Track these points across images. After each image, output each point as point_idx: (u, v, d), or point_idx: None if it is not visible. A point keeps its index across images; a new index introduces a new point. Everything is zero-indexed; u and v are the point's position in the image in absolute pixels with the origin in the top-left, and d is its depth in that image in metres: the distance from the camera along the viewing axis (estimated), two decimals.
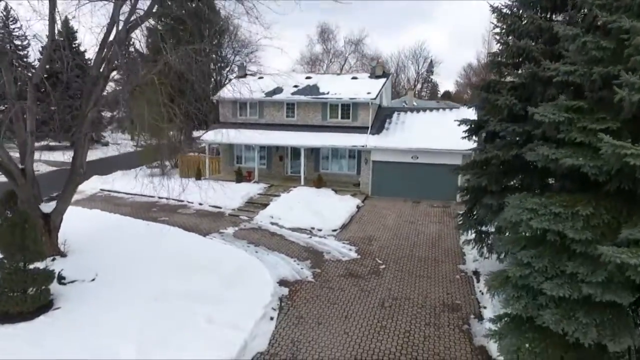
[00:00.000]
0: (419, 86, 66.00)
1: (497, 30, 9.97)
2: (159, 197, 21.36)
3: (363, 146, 21.61)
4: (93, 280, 10.94)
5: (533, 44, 8.81)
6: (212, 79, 37.54)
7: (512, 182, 9.71)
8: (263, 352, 8.39)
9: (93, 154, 41.97)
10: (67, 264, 11.52)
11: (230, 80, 33.67)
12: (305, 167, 23.23)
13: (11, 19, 38.82)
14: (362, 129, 22.94)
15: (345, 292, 10.93)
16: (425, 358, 8.19)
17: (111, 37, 10.82)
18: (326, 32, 45.13)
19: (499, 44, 9.88)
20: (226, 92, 26.17)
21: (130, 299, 9.93)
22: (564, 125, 5.93)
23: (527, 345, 5.68)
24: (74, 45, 39.31)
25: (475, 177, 10.07)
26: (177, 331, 8.71)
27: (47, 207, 11.98)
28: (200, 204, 19.74)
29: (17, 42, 40.19)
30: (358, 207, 19.38)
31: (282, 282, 11.42)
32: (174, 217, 18.07)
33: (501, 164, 9.48)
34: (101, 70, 10.66)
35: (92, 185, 25.27)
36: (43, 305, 9.48)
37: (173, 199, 20.80)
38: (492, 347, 8.48)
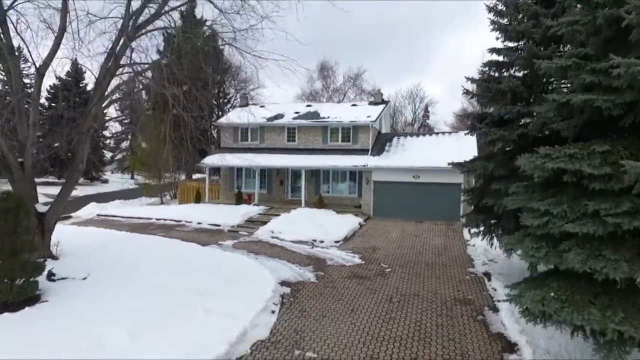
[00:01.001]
0: (416, 126, 67.28)
1: (496, 22, 10.22)
2: (157, 219, 21.10)
3: (364, 166, 21.56)
4: (85, 278, 10.37)
5: (532, 25, 9.00)
6: (214, 114, 38.27)
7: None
8: (264, 339, 7.76)
9: (92, 189, 41.99)
10: (59, 265, 10.99)
11: (233, 107, 34.32)
12: (306, 190, 23.04)
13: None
14: (362, 152, 23.02)
15: (350, 290, 10.36)
16: (440, 343, 7.57)
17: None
18: (326, 68, 46.68)
19: (497, 31, 10.04)
20: (227, 119, 26.60)
21: (125, 294, 9.35)
22: (571, 70, 5.88)
23: (552, 294, 5.23)
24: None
25: (481, 164, 9.89)
26: (173, 320, 8.10)
27: (42, 208, 11.67)
28: (199, 223, 19.32)
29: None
30: (360, 224, 18.97)
31: (284, 283, 10.84)
32: (171, 234, 17.56)
33: (507, 146, 9.34)
34: (109, 65, 10.78)
35: (88, 211, 24.89)
36: (30, 298, 8.90)
37: (170, 219, 20.56)
38: (511, 331, 7.91)
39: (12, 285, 8.63)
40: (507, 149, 9.47)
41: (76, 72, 44.13)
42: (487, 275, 11.53)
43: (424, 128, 75.60)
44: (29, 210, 9.24)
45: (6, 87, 11.09)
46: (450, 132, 26.67)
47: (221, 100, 38.97)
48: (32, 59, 10.23)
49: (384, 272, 11.97)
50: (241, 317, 8.33)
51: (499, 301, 9.53)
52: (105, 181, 51.50)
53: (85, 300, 9.03)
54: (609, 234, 5.00)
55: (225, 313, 8.50)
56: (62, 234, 12.98)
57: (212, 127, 35.26)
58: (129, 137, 56.95)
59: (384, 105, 26.28)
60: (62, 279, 10.18)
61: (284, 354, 7.15)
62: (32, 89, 10.66)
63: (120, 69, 11.27)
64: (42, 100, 45.50)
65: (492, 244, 11.16)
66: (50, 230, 11.56)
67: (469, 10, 70.15)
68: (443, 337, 7.81)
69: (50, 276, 10.11)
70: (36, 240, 10.62)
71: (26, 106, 11.84)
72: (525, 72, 10.22)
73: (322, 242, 15.45)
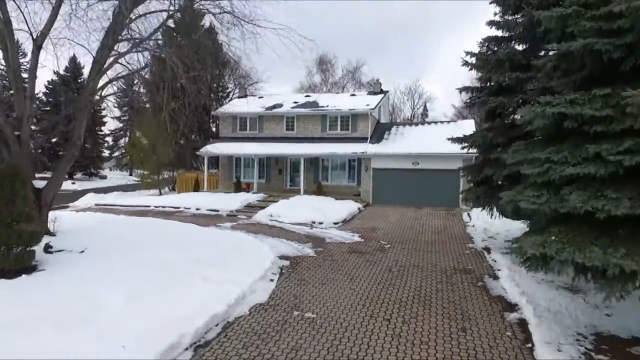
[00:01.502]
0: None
1: None
2: (155, 206, 21.02)
3: (363, 153, 21.52)
4: (82, 252, 10.30)
5: None
6: (213, 107, 38.15)
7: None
8: (263, 303, 7.70)
9: (90, 184, 41.90)
10: (56, 240, 10.90)
11: (231, 99, 34.27)
12: (305, 179, 22.98)
13: None
14: (361, 140, 22.98)
15: (350, 263, 10.31)
16: (440, 305, 7.52)
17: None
18: (324, 62, 46.52)
19: (496, 5, 10.02)
20: (226, 108, 26.55)
21: (123, 265, 9.27)
22: (572, 19, 5.84)
23: (552, 237, 5.19)
24: None
25: (481, 134, 9.85)
26: (171, 287, 8.04)
27: (39, 184, 11.61)
28: (197, 209, 19.25)
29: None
30: (359, 209, 18.93)
31: (283, 257, 10.77)
32: (170, 219, 17.45)
33: (506, 114, 9.31)
34: (108, 40, 10.71)
35: (86, 200, 24.79)
36: (27, 267, 8.83)
37: (169, 206, 20.48)
38: (511, 294, 7.88)
39: (8, 253, 8.55)
40: (507, 117, 9.43)
41: (75, 67, 44.04)
42: (487, 249, 11.50)
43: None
44: (26, 180, 9.15)
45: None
46: (449, 121, 26.64)
47: (220, 95, 38.88)
48: (29, 30, 10.17)
49: (383, 247, 11.93)
50: (240, 283, 8.27)
51: (499, 270, 9.50)
52: (104, 177, 51.45)
53: (83, 269, 8.96)
54: (610, 175, 4.96)
55: (223, 280, 8.44)
56: (60, 216, 12.95)
57: (210, 119, 35.20)
58: (127, 133, 57.02)
59: (382, 94, 26.26)
60: (59, 251, 10.11)
61: (282, 315, 7.09)
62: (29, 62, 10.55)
63: (118, 44, 11.21)
64: (40, 96, 45.61)
65: (492, 214, 11.07)
66: (47, 206, 11.49)
67: (469, 10, 69.99)
68: (443, 299, 7.76)
69: (48, 248, 10.04)
70: (33, 215, 10.57)
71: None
72: (525, 46, 10.23)
73: (321, 223, 15.40)
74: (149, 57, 12.48)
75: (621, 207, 4.64)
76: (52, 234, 11.53)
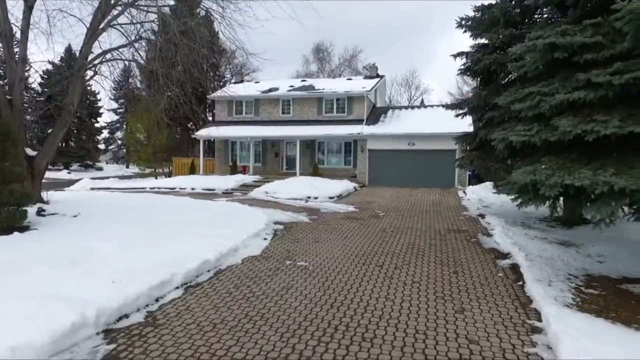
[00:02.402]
0: None
1: None
2: (150, 188, 20.96)
3: (359, 134, 21.50)
4: (76, 216, 10.26)
5: None
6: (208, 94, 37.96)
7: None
8: (255, 255, 7.69)
9: (87, 174, 41.69)
10: (49, 208, 10.85)
11: (226, 83, 34.15)
12: (301, 162, 22.96)
13: None
14: (357, 122, 22.96)
15: (344, 227, 10.30)
16: (434, 255, 7.53)
17: None
18: (321, 50, 46.28)
19: None
20: (222, 92, 26.47)
21: (116, 225, 9.24)
22: None
23: (543, 166, 5.18)
24: None
25: (476, 94, 9.84)
26: (163, 238, 8.02)
27: (32, 152, 11.52)
28: (193, 189, 19.21)
29: None
30: (355, 188, 18.93)
31: (278, 223, 10.73)
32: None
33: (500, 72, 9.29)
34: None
35: (82, 184, 24.66)
36: (19, 226, 8.78)
37: (164, 187, 20.43)
38: (504, 245, 7.88)
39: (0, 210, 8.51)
40: (501, 76, 9.41)
41: (70, 56, 43.77)
42: (481, 215, 11.52)
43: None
44: (17, 141, 9.08)
45: None
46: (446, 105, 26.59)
47: (216, 83, 38.74)
48: None
49: (378, 215, 11.93)
50: (233, 239, 8.24)
51: (492, 229, 9.51)
52: (100, 168, 51.20)
53: (77, 228, 8.93)
54: (600, 99, 4.96)
55: (217, 235, 8.42)
56: (53, 194, 12.84)
57: (207, 107, 35.08)
58: (124, 126, 56.77)
59: (378, 78, 26.22)
60: (53, 214, 10.07)
61: (275, 264, 7.08)
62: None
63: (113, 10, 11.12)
64: (35, 86, 45.34)
65: (487, 170, 10.91)
66: (40, 174, 11.42)
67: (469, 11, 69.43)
68: (436, 251, 7.77)
69: (40, 212, 10.00)
70: (26, 176, 10.49)
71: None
72: (517, 9, 10.20)
73: (316, 198, 15.40)
74: (144, 27, 12.36)
75: (610, 127, 4.63)
76: (46, 202, 11.47)
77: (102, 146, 58.79)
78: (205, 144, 33.18)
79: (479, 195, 14.90)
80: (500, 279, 6.16)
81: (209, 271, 6.64)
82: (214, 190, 18.57)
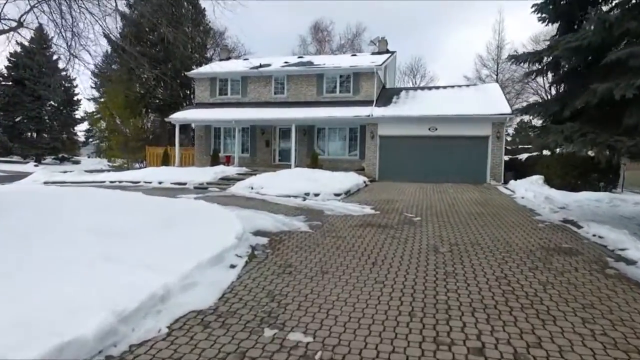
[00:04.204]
0: None
1: None
2: (111, 182, 16.97)
3: (368, 116, 17.53)
4: None
5: None
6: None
7: None
8: (203, 311, 3.78)
9: (60, 169, 37.55)
10: None
11: (211, 60, 30.07)
12: (297, 151, 18.98)
13: None
14: (365, 103, 18.97)
15: (366, 240, 6.38)
16: (571, 312, 3.64)
17: None
18: (320, 29, 41.70)
19: None
20: (204, 69, 22.47)
21: None
22: None
23: None
24: None
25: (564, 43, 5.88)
26: (26, 269, 4.08)
27: None
28: (160, 182, 15.24)
29: None
30: (365, 183, 15.02)
31: (260, 233, 6.81)
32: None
33: None
34: None
35: (33, 177, 20.56)
36: None
37: (127, 181, 16.48)
38: None
39: None
40: None
41: (41, 38, 39.41)
42: (570, 222, 7.65)
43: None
44: None
45: None
46: (468, 85, 22.72)
47: (203, 65, 34.57)
48: None
49: (412, 220, 8.03)
50: (167, 270, 4.33)
51: (621, 249, 5.62)
52: (77, 162, 46.87)
53: None
54: None
55: (140, 260, 4.51)
56: None
57: (192, 91, 30.94)
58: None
59: (389, 54, 22.22)
60: None
61: (237, 341, 3.16)
62: None
63: None
64: (1, 69, 40.90)
65: (611, 149, 6.87)
66: None
67: (471, 6, 65.03)
68: (567, 300, 3.87)
69: None
70: None
71: None
72: None
73: (317, 195, 11.47)
74: None
75: None
76: None
77: (82, 139, 54.48)
78: (188, 132, 29.13)
79: (537, 192, 11.04)
80: None
81: None
82: (185, 184, 14.61)
